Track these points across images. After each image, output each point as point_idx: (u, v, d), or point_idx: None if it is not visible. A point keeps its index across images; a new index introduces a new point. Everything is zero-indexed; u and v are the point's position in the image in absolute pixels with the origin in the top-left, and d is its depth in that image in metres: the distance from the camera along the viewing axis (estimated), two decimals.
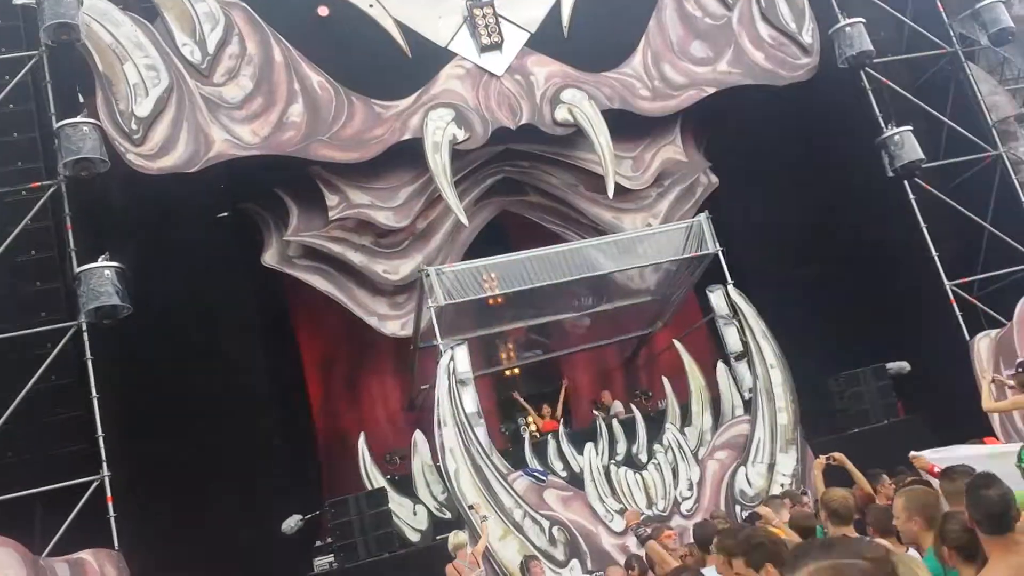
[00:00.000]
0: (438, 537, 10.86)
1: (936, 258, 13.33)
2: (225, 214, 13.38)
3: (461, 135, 12.60)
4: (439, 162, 12.36)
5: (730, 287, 12.13)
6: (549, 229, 14.04)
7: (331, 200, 12.78)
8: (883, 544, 1.83)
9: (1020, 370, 8.02)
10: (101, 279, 10.81)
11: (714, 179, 14.52)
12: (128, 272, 11.19)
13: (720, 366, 12.26)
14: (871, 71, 14.31)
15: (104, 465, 10.45)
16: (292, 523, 11.52)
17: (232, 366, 12.32)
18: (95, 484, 10.33)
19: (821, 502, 5.38)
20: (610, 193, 12.83)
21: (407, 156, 12.71)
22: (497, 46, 13.06)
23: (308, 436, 14.17)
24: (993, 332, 12.73)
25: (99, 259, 10.85)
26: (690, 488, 11.12)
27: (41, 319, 11.00)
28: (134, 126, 11.45)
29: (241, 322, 12.89)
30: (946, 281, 13.23)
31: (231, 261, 13.04)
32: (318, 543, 11.49)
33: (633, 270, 13.19)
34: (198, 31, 12.10)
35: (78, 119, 11.03)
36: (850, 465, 7.12)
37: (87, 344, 10.78)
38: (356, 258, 12.92)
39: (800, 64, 14.28)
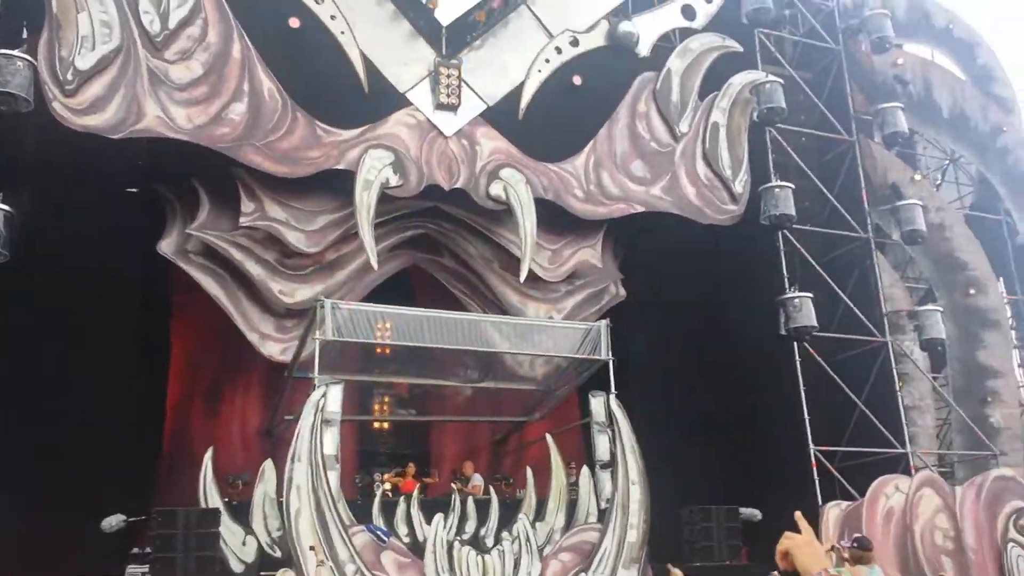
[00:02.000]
0: (262, 573, 10.35)
1: (807, 421, 13.80)
2: (135, 190, 12.86)
3: (394, 180, 12.57)
4: (365, 200, 12.27)
5: (612, 397, 12.24)
6: (454, 295, 14.01)
7: (246, 207, 12.46)
8: None
9: (854, 544, 8.20)
10: None
11: (622, 292, 14.79)
12: (17, 219, 10.64)
13: (585, 470, 12.26)
14: (788, 234, 15.00)
15: None
16: (113, 522, 10.81)
17: (96, 343, 11.72)
18: None
19: None
20: (522, 277, 12.99)
21: (335, 185, 12.58)
22: (453, 108, 13.20)
23: (154, 435, 13.43)
24: (844, 504, 13.15)
25: None
26: None
27: None
28: (70, 76, 11.02)
29: (118, 302, 12.27)
30: (812, 445, 13.67)
31: (125, 237, 12.47)
32: (136, 550, 10.77)
33: (525, 356, 13.22)
34: (164, 3, 11.83)
35: (14, 52, 10.60)
36: None
37: None
38: (255, 271, 12.56)
39: (726, 209, 14.84)
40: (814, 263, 15.18)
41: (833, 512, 12.80)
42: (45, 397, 11.03)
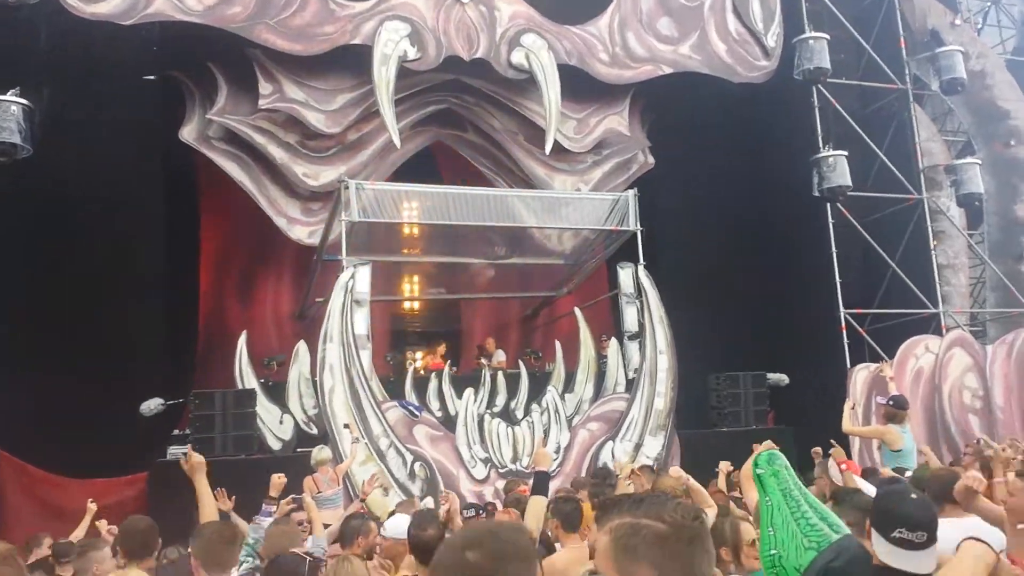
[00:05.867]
0: (299, 449, 10.77)
1: (838, 284, 13.70)
2: (151, 77, 12.75)
3: (412, 53, 12.23)
4: (384, 76, 11.99)
5: (640, 267, 12.23)
6: (479, 170, 13.90)
7: (264, 88, 12.29)
8: (696, 508, 1.83)
9: (890, 403, 8.33)
10: (6, 113, 10.31)
11: (651, 160, 14.55)
12: (37, 113, 10.63)
13: (613, 342, 12.43)
14: (822, 89, 14.49)
15: None
16: (152, 405, 11.26)
17: (124, 234, 11.89)
18: None
19: (654, 486, 5.51)
20: (548, 149, 12.76)
21: (352, 61, 12.30)
22: None
23: (189, 322, 13.80)
24: (872, 366, 13.18)
25: (8, 93, 10.27)
26: (557, 451, 11.27)
27: None
28: None
29: (143, 191, 12.36)
30: (842, 308, 13.62)
31: (147, 127, 12.47)
32: (176, 432, 11.25)
33: (552, 230, 13.18)
34: None
35: None
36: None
37: None
38: (278, 154, 12.51)
39: (759, 66, 14.35)
40: (849, 119, 14.69)
41: (861, 374, 12.86)
42: (77, 290, 11.31)
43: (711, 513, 5.41)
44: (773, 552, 2.81)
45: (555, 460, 11.23)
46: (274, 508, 6.02)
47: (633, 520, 1.73)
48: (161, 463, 10.55)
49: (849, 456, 11.37)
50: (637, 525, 1.72)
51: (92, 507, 7.42)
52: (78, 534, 7.13)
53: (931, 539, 3.18)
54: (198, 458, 5.20)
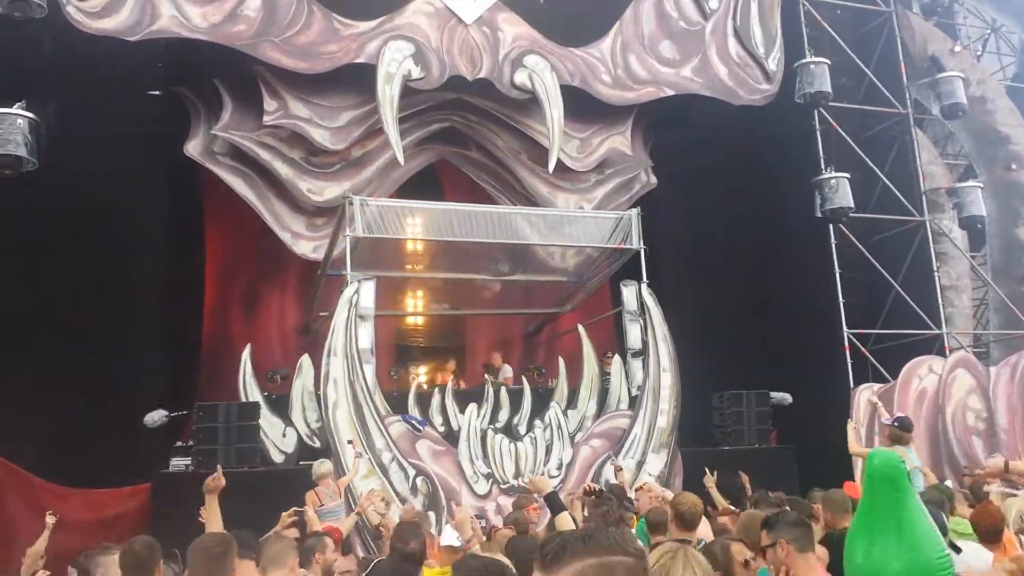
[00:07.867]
0: (301, 463, 10.71)
1: (841, 304, 13.71)
2: (156, 92, 12.83)
3: (416, 72, 12.33)
4: (388, 94, 12.07)
5: (643, 285, 12.24)
6: (483, 188, 13.95)
7: (269, 105, 12.37)
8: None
9: (895, 424, 8.30)
10: (12, 126, 10.33)
11: (653, 179, 14.62)
12: (43, 127, 10.67)
13: (616, 359, 12.42)
14: (824, 112, 14.59)
15: None
16: (156, 417, 11.21)
17: (130, 247, 11.90)
18: None
19: (671, 503, 5.43)
20: (551, 168, 12.82)
21: (356, 80, 12.37)
22: None
23: (194, 335, 13.78)
24: (876, 386, 13.15)
25: (14, 106, 10.31)
26: (559, 468, 11.23)
27: None
28: None
29: (149, 205, 12.40)
30: (845, 328, 13.62)
31: (152, 142, 12.53)
32: (179, 443, 11.20)
33: (556, 248, 13.22)
34: None
35: None
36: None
37: None
38: (283, 170, 12.56)
39: (760, 89, 14.46)
40: (851, 142, 14.77)
41: (865, 394, 12.81)
42: (81, 302, 11.29)
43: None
44: (948, 552, 2.69)
45: (557, 477, 11.19)
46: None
47: (598, 560, 1.63)
48: (164, 474, 10.49)
49: (852, 478, 11.39)
50: (607, 564, 1.62)
51: (50, 520, 7.37)
52: (38, 548, 7.03)
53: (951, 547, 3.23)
54: (219, 481, 5.41)
